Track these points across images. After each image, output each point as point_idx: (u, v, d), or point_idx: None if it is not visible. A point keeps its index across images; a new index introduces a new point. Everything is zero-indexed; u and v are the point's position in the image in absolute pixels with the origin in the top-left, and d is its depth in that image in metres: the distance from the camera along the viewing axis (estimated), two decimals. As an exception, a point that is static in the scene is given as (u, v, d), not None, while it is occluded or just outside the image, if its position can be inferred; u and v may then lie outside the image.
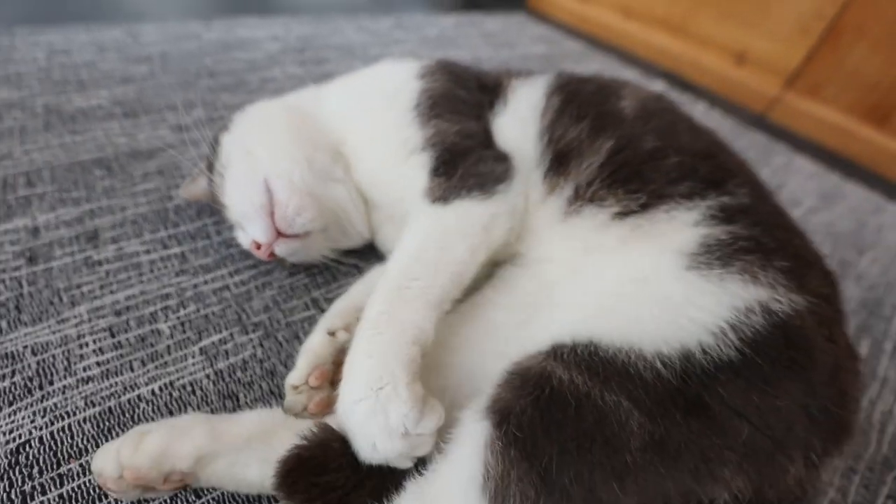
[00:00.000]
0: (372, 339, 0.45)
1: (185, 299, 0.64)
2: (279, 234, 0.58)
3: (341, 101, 0.70)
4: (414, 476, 0.43)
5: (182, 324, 0.61)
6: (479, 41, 1.74)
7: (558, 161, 0.59)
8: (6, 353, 0.54)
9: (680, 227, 0.52)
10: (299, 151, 0.61)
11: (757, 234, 0.50)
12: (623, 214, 0.55)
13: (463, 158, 0.57)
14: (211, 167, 0.64)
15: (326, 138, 0.66)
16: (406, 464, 0.43)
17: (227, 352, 0.59)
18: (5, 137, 0.83)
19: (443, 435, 0.44)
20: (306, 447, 0.43)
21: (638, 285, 0.49)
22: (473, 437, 0.41)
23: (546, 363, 0.42)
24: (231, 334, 0.61)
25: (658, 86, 1.72)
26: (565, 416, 0.40)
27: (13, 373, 0.53)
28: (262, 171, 0.59)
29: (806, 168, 1.42)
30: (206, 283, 0.66)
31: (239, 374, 0.57)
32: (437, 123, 0.61)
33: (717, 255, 0.48)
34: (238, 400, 0.55)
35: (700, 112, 1.59)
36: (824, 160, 1.49)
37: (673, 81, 1.81)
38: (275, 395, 0.56)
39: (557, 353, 0.43)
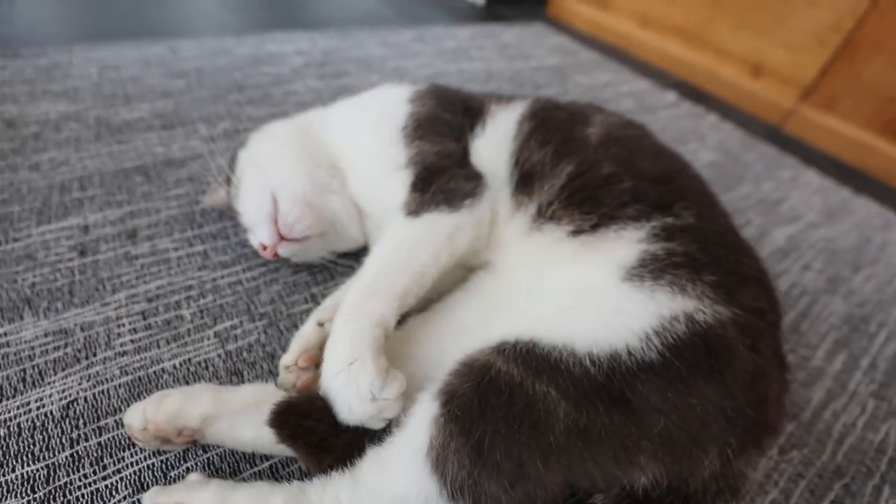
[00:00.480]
0: (346, 326, 0.55)
1: (205, 290, 0.75)
2: (282, 237, 0.68)
3: (341, 121, 0.79)
4: (376, 441, 0.51)
5: (201, 311, 0.72)
6: (493, 53, 1.81)
7: (524, 181, 0.66)
8: (61, 329, 0.66)
9: (625, 245, 0.59)
10: (302, 167, 0.72)
11: (693, 250, 0.56)
12: (577, 233, 0.61)
13: (438, 176, 0.65)
14: (228, 179, 0.75)
15: (327, 155, 0.76)
16: (378, 424, 0.52)
17: (236, 336, 0.69)
18: (63, 146, 0.97)
19: (407, 406, 0.52)
20: (295, 398, 0.54)
21: (582, 294, 0.56)
22: (424, 414, 0.49)
23: (490, 356, 0.50)
24: (241, 321, 0.71)
25: (670, 96, 1.74)
26: (499, 401, 0.47)
27: (66, 345, 0.65)
28: (270, 184, 0.69)
29: (813, 182, 1.42)
30: (222, 277, 0.77)
31: (245, 354, 0.67)
32: (420, 144, 0.69)
33: (650, 269, 0.54)
34: (242, 376, 0.65)
35: (711, 123, 1.61)
36: (836, 174, 1.48)
37: (686, 91, 1.82)
38: (272, 374, 0.66)
39: (501, 348, 0.51)
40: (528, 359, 0.49)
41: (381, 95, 0.80)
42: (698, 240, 0.57)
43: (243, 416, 0.54)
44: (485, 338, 0.54)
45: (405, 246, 0.61)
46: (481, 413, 0.47)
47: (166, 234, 0.82)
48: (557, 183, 0.64)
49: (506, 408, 0.47)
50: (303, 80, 1.37)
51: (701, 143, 1.49)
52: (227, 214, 0.88)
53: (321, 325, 0.63)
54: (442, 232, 0.62)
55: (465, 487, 0.45)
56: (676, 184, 0.66)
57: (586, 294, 0.56)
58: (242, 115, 1.17)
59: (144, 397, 0.58)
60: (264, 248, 0.69)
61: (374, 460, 0.50)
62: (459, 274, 0.70)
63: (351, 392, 0.51)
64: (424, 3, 2.24)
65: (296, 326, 0.72)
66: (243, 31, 1.63)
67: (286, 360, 0.60)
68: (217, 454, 0.57)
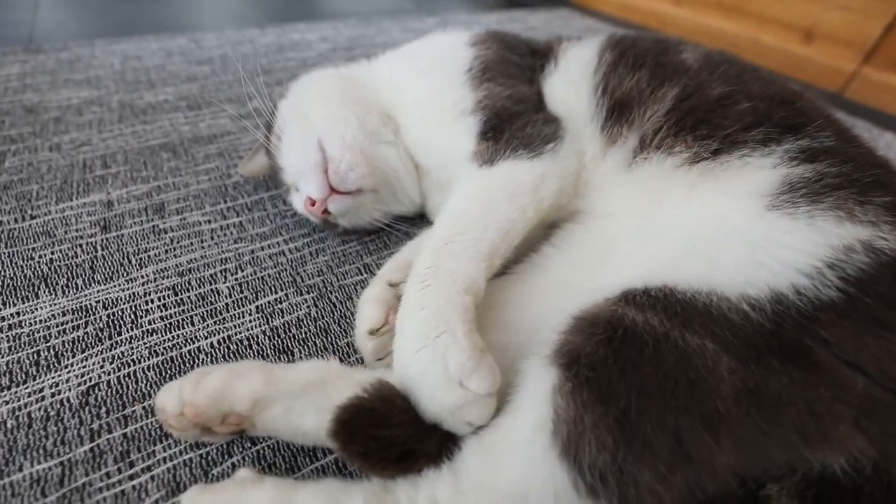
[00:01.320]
0: (421, 292, 0.43)
1: (243, 263, 0.64)
2: (332, 190, 0.57)
3: (393, 67, 0.70)
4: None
5: (239, 285, 0.61)
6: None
7: (618, 112, 0.55)
8: (80, 307, 0.56)
9: (755, 171, 0.47)
10: (351, 113, 0.62)
11: (848, 170, 0.44)
12: (694, 161, 0.50)
13: (511, 122, 0.55)
14: (269, 131, 0.66)
15: (378, 103, 0.66)
16: (463, 429, 0.40)
17: (282, 310, 0.59)
18: (85, 128, 0.90)
19: (502, 401, 0.40)
20: (367, 399, 0.41)
21: (713, 229, 0.44)
22: (539, 384, 0.37)
23: (616, 307, 0.38)
24: (286, 295, 0.61)
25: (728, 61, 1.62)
26: (642, 356, 0.35)
27: (86, 324, 0.55)
28: (316, 131, 0.60)
29: (895, 144, 1.27)
30: (262, 249, 0.67)
31: (294, 330, 0.56)
32: (489, 87, 0.59)
33: (802, 193, 0.43)
34: (293, 354, 0.54)
35: (771, 76, 1.48)
36: (916, 135, 1.33)
37: (732, 63, 1.70)
38: (328, 351, 0.54)
39: (629, 297, 0.39)
40: (669, 305, 0.37)
41: (437, 41, 0.70)
42: (850, 160, 0.45)
43: (303, 398, 0.42)
44: (592, 293, 0.42)
45: (483, 198, 0.50)
46: (621, 374, 0.35)
47: (197, 207, 0.73)
48: (662, 108, 0.54)
49: (653, 365, 0.35)
50: (331, 62, 1.29)
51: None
52: (265, 185, 0.78)
53: (394, 285, 0.52)
54: (524, 181, 0.51)
55: (609, 476, 0.33)
56: (800, 105, 0.55)
57: (719, 229, 0.44)
58: (272, 95, 1.09)
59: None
60: (312, 203, 0.58)
61: (478, 450, 0.38)
62: (540, 232, 0.58)
63: (437, 372, 0.39)
64: (444, -5, 2.19)
65: (350, 299, 0.61)
66: (264, 24, 1.58)
67: (369, 322, 0.48)
68: (269, 446, 0.45)
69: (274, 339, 0.55)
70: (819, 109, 0.55)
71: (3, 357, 0.51)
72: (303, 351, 0.54)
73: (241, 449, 0.45)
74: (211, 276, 0.62)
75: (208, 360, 0.52)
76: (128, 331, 0.54)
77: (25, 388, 0.48)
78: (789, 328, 0.35)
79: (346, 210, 0.60)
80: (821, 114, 0.54)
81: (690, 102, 0.53)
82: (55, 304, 0.56)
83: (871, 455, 0.35)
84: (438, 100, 0.61)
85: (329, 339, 0.56)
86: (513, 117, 0.56)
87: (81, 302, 0.57)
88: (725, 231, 0.43)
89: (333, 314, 0.59)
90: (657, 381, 0.34)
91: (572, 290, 0.50)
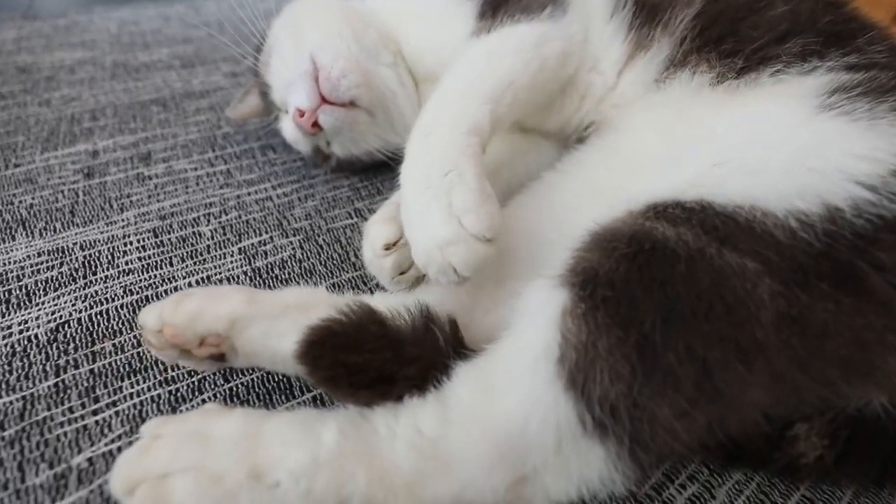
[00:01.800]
0: (424, 141, 0.41)
1: (228, 207, 0.61)
2: (323, 100, 0.52)
3: None
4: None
5: (223, 227, 0.58)
6: None
7: (643, 15, 0.49)
8: (56, 248, 0.54)
9: (792, 89, 0.41)
10: (347, 29, 0.57)
11: None
12: (719, 82, 0.45)
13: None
14: (258, 50, 0.62)
15: (377, 22, 0.61)
16: (447, 276, 0.37)
17: (265, 252, 0.55)
18: (76, 85, 0.88)
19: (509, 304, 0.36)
20: (340, 322, 0.37)
21: (755, 135, 0.38)
22: (546, 305, 0.32)
23: (644, 221, 0.33)
24: (271, 237, 0.57)
25: None
26: (673, 274, 0.30)
27: (61, 264, 0.52)
28: (309, 45, 0.55)
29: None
30: (248, 194, 0.64)
31: (277, 271, 0.53)
32: None
33: (857, 92, 0.36)
34: (275, 295, 0.50)
35: None
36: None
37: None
38: (313, 292, 0.51)
39: (659, 209, 0.33)
40: (707, 219, 0.32)
41: None
42: None
43: (284, 319, 0.38)
44: (619, 208, 0.36)
45: (484, 55, 0.47)
46: (646, 293, 0.30)
47: (184, 156, 0.70)
48: (691, 11, 0.48)
49: (684, 285, 0.30)
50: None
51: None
52: (255, 135, 0.75)
53: None
54: (526, 39, 0.47)
55: (622, 409, 0.29)
56: (846, 11, 0.48)
57: (763, 134, 0.38)
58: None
59: None
60: (301, 114, 0.53)
61: (472, 376, 0.33)
62: (553, 154, 0.54)
63: (440, 207, 0.36)
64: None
65: (338, 241, 0.57)
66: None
67: (383, 238, 0.44)
68: (243, 383, 0.42)
69: (255, 279, 0.52)
70: (870, 20, 0.49)
71: (-28, 295, 0.48)
72: (286, 291, 0.51)
73: (212, 385, 0.42)
74: (194, 219, 0.59)
75: (185, 299, 0.49)
76: (103, 270, 0.52)
77: (-8, 324, 0.46)
78: (842, 249, 0.30)
79: (338, 126, 0.55)
80: (872, 26, 0.48)
81: (719, 5, 0.48)
82: (31, 246, 0.54)
83: None
84: None
85: (314, 279, 0.52)
86: None
87: (58, 244, 0.54)
88: (770, 136, 0.38)
89: (320, 256, 0.55)
90: (688, 303, 0.29)
91: (592, 206, 0.44)
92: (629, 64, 0.50)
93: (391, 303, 0.41)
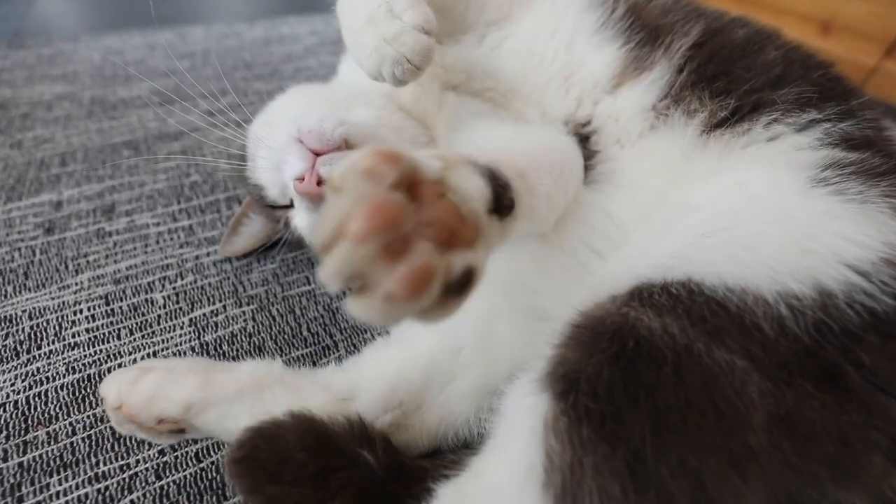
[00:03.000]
0: None
1: (185, 270, 0.60)
2: (316, 153, 0.49)
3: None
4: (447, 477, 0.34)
5: (177, 294, 0.57)
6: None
7: (646, 32, 0.48)
8: (4, 317, 0.53)
9: (790, 151, 0.40)
10: (315, 98, 0.57)
11: (893, 163, 0.37)
12: (711, 126, 0.43)
13: None
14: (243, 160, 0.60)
15: (349, 90, 0.60)
16: (400, 71, 0.39)
17: (216, 324, 0.54)
18: (51, 125, 0.87)
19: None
20: (268, 439, 0.36)
21: (746, 205, 0.37)
22: (527, 416, 0.30)
23: (627, 309, 0.31)
24: (224, 306, 0.56)
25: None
26: (661, 378, 0.28)
27: (6, 335, 0.51)
28: (287, 121, 0.52)
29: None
30: (208, 255, 0.63)
31: (225, 347, 0.52)
32: None
33: (850, 172, 0.35)
34: (220, 375, 0.49)
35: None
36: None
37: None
38: (259, 372, 0.50)
39: (644, 294, 0.32)
40: (694, 307, 0.30)
41: None
42: (891, 154, 0.39)
43: (239, 403, 0.40)
44: (602, 283, 0.35)
45: None
46: (632, 403, 0.28)
47: (148, 208, 0.69)
48: (687, 41, 0.47)
49: (672, 390, 0.28)
50: (316, 56, 1.25)
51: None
52: (222, 185, 0.75)
53: None
54: None
55: None
56: (838, 71, 0.48)
57: (757, 204, 0.37)
58: (249, 90, 1.05)
59: (91, 404, 0.45)
60: (301, 179, 0.48)
61: (455, 499, 0.32)
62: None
63: (382, 14, 0.39)
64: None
65: (292, 313, 0.56)
66: (259, 17, 1.54)
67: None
68: (175, 481, 0.41)
69: (202, 355, 0.51)
70: (853, 85, 0.48)
71: (-89, 371, 0.48)
72: (232, 370, 0.50)
73: (143, 483, 0.41)
74: (148, 284, 0.58)
75: (128, 378, 0.48)
76: (49, 344, 0.51)
77: (-75, 407, 0.45)
78: (829, 347, 0.29)
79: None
80: (861, 91, 0.47)
81: (715, 42, 0.47)
82: (-21, 313, 0.53)
83: None
84: None
85: (262, 357, 0.51)
86: None
87: (7, 311, 0.54)
88: (765, 209, 0.36)
89: (271, 330, 0.54)
90: (679, 411, 0.28)
91: (565, 287, 0.43)
92: (630, 82, 0.48)
93: (331, 407, 0.40)
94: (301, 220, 0.52)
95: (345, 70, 0.66)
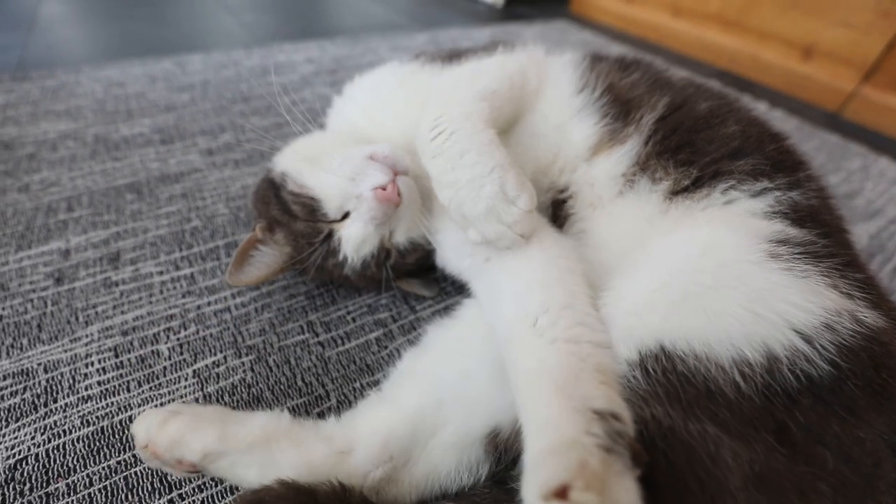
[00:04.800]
0: (447, 140, 0.48)
1: (188, 321, 0.65)
2: (395, 171, 0.56)
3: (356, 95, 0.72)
4: None
5: (181, 345, 0.62)
6: (513, 51, 1.70)
7: (616, 106, 0.55)
8: (22, 370, 0.58)
9: (745, 216, 0.46)
10: (345, 138, 0.66)
11: (830, 242, 0.43)
12: (675, 193, 0.49)
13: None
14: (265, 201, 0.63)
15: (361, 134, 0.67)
16: (516, 240, 0.47)
17: (218, 375, 0.59)
18: (56, 166, 0.92)
19: None
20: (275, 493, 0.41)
21: (711, 271, 0.40)
22: None
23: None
24: (225, 357, 0.61)
25: (713, 85, 1.57)
26: (655, 463, 0.33)
27: (24, 389, 0.56)
28: (353, 152, 0.59)
29: (889, 171, 1.22)
30: (209, 304, 0.68)
31: (227, 398, 0.57)
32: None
33: (798, 251, 0.41)
34: (221, 426, 0.54)
35: (760, 113, 1.42)
36: (915, 162, 1.28)
37: (728, 81, 1.66)
38: (257, 423, 0.55)
39: (628, 379, 0.38)
40: (669, 386, 0.35)
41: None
42: (830, 233, 0.45)
43: (248, 454, 0.46)
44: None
45: (468, 71, 0.58)
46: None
47: (152, 256, 0.74)
48: (654, 115, 0.53)
49: (668, 481, 0.33)
50: (311, 87, 1.30)
51: (753, 134, 1.31)
52: (221, 232, 0.79)
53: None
54: (491, 63, 0.59)
55: None
56: (789, 144, 0.54)
57: (716, 267, 0.40)
58: (246, 126, 1.10)
59: (105, 455, 0.50)
60: (384, 188, 0.54)
61: None
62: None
63: (499, 199, 0.45)
64: (439, 8, 2.16)
65: (287, 363, 0.61)
66: (258, 43, 1.58)
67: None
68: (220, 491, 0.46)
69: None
70: (804, 156, 0.54)
71: (-61, 425, 0.52)
72: (232, 421, 0.55)
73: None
74: (154, 335, 0.63)
75: (138, 430, 0.53)
76: (64, 397, 0.55)
77: (-45, 461, 0.49)
78: (777, 405, 0.34)
79: (411, 193, 0.57)
80: (806, 162, 0.53)
81: (679, 115, 0.53)
82: (-2, 367, 0.58)
83: None
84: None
85: (260, 407, 0.56)
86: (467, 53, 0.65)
87: (24, 364, 0.58)
88: (728, 275, 0.40)
89: (268, 380, 0.59)
90: (671, 490, 0.32)
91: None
92: (605, 151, 0.54)
93: (331, 459, 0.46)
94: (354, 230, 0.57)
95: (365, 109, 0.69)
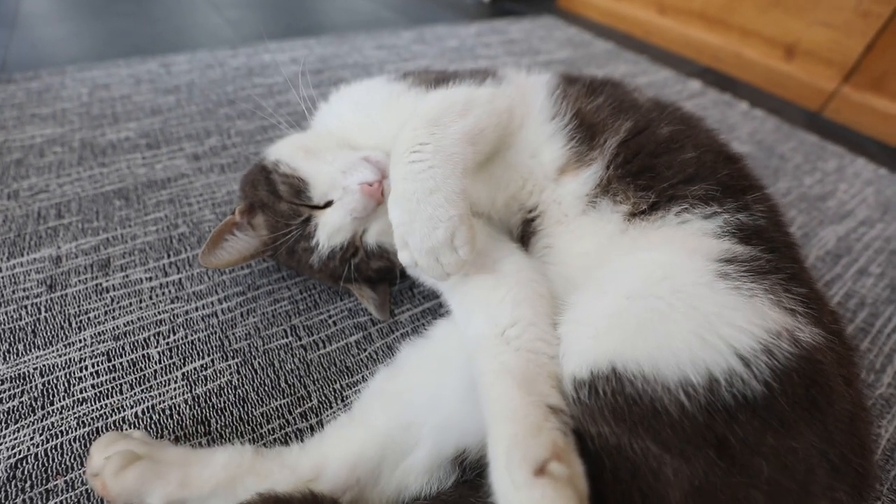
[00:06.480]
0: (426, 171, 0.49)
1: (176, 325, 0.68)
2: (383, 175, 0.61)
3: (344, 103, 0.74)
4: None
5: (170, 349, 0.65)
6: (499, 50, 1.71)
7: (582, 129, 0.58)
8: (19, 374, 0.61)
9: (696, 235, 0.49)
10: (338, 140, 0.69)
11: (775, 257, 0.47)
12: (632, 215, 0.52)
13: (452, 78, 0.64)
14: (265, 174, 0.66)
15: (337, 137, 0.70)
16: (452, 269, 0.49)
17: (206, 377, 0.63)
18: (44, 172, 0.94)
19: None
20: None
21: (665, 293, 0.42)
22: None
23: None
24: (212, 360, 0.65)
25: (695, 84, 1.61)
26: (603, 479, 0.37)
27: (22, 392, 0.59)
28: (349, 152, 0.64)
29: (864, 172, 1.26)
30: (196, 309, 0.71)
31: (214, 399, 0.60)
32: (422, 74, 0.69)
33: (745, 268, 0.43)
34: (209, 425, 0.58)
35: (742, 111, 1.47)
36: (890, 162, 1.32)
37: (712, 79, 1.68)
38: (243, 422, 0.59)
39: (576, 392, 0.41)
40: (617, 404, 0.39)
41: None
42: (776, 248, 0.48)
43: (214, 498, 0.46)
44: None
45: (460, 96, 0.57)
46: None
47: (141, 262, 0.77)
48: (617, 139, 0.56)
49: (614, 493, 0.37)
50: (296, 89, 1.31)
51: (731, 133, 1.35)
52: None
53: None
54: (481, 94, 0.59)
55: None
56: (742, 167, 0.57)
57: (668, 289, 0.42)
58: (231, 129, 1.12)
59: None
60: (370, 185, 0.60)
61: None
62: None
63: (446, 243, 0.48)
64: (426, 4, 2.16)
65: (272, 366, 0.65)
66: (244, 40, 1.58)
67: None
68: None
69: (194, 408, 0.59)
70: (755, 178, 0.57)
71: (-58, 428, 0.55)
72: (219, 421, 0.58)
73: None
74: (144, 339, 0.66)
75: (131, 430, 0.57)
76: (60, 400, 0.59)
77: (-41, 462, 0.53)
78: (718, 419, 0.36)
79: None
80: (759, 184, 0.56)
81: (641, 139, 0.56)
82: (-4, 372, 0.61)
83: None
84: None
85: (245, 408, 0.60)
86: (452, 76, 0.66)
87: (20, 369, 0.62)
88: (679, 297, 0.42)
89: (253, 382, 0.63)
90: None
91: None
92: (572, 172, 0.57)
93: (299, 489, 0.46)
94: (332, 217, 0.61)
95: (349, 120, 0.72)
